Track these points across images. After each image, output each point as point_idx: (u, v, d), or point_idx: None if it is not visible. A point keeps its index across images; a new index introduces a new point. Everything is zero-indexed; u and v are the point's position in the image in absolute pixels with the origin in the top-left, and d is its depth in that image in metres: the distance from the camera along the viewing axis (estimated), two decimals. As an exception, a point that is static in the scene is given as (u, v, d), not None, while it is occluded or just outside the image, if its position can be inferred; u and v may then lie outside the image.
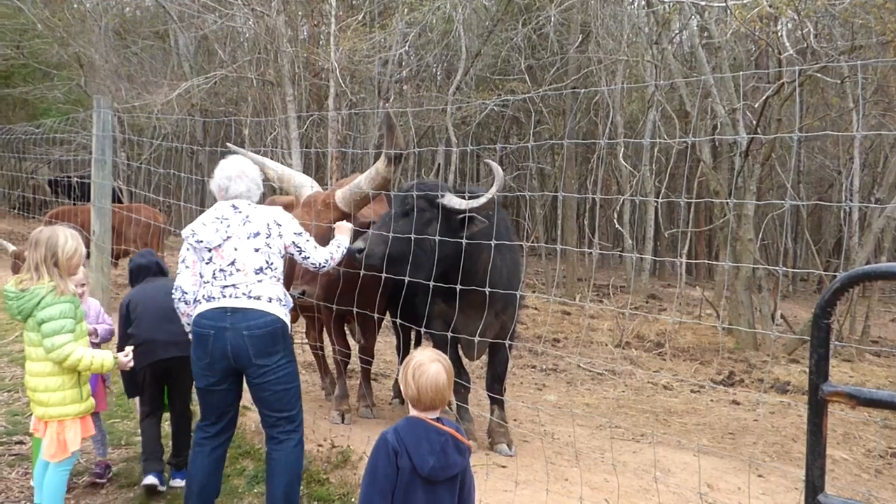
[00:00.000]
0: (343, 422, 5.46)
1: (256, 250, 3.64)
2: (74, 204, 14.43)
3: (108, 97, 9.50)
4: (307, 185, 5.10)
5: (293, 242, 3.81)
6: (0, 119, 19.67)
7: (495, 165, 4.71)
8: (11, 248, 9.16)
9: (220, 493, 3.86)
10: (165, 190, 18.24)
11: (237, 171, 3.84)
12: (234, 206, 3.76)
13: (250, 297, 3.59)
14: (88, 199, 7.94)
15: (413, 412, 2.71)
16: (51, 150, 16.97)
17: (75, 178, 17.03)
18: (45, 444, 3.72)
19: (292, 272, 4.85)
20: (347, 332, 6.01)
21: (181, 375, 4.27)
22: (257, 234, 3.66)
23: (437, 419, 2.68)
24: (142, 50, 18.91)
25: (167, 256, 14.50)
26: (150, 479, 4.23)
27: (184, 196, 16.82)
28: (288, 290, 4.61)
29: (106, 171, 7.48)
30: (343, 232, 4.31)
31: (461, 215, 4.50)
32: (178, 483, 4.34)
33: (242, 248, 3.64)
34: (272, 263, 3.69)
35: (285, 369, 3.66)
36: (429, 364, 2.67)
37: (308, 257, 3.89)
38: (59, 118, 14.82)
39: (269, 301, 3.62)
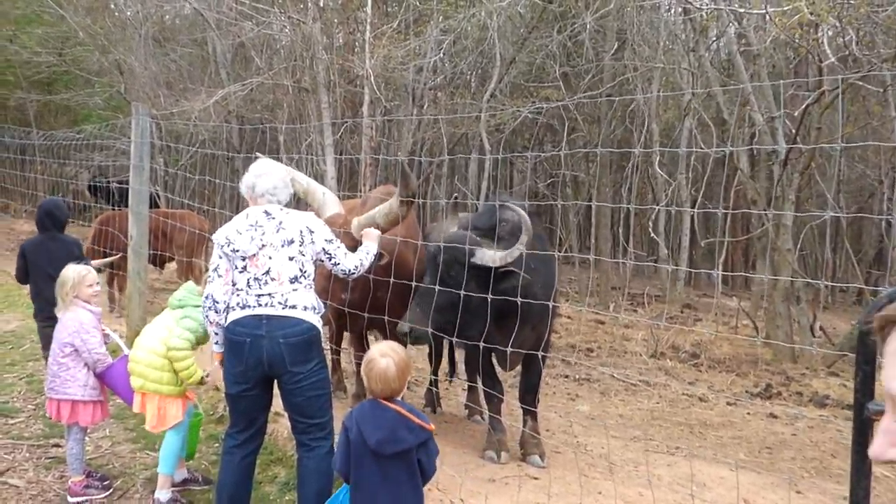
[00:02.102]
0: None
1: (291, 259, 3.64)
2: (113, 209, 14.66)
3: (147, 104, 9.65)
4: (330, 204, 5.13)
5: (323, 249, 3.79)
6: (43, 125, 20.03)
7: (522, 213, 4.66)
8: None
9: (250, 501, 3.86)
10: (202, 196, 18.42)
11: (263, 168, 3.88)
12: (266, 211, 3.75)
13: (286, 307, 3.58)
14: (127, 204, 8.03)
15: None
16: (91, 156, 17.26)
17: (114, 183, 17.28)
18: (147, 416, 4.33)
19: (327, 284, 4.87)
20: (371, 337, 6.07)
21: None
22: (291, 241, 3.65)
23: (393, 401, 3.04)
24: (180, 57, 19.12)
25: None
26: None
27: (219, 202, 16.95)
28: (356, 308, 4.87)
29: (144, 177, 7.54)
30: (371, 239, 4.30)
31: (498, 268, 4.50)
32: None
33: (277, 257, 3.63)
34: (306, 271, 3.68)
35: (318, 375, 3.66)
36: (379, 358, 3.04)
37: (338, 263, 3.87)
38: (99, 124, 15.06)
39: (305, 309, 3.62)
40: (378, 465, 2.92)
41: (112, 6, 20.34)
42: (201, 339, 4.35)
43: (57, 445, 5.06)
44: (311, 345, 3.63)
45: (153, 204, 9.73)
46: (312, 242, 3.73)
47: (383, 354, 3.06)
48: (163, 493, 4.23)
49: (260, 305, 3.59)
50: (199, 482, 4.59)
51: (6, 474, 4.60)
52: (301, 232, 3.70)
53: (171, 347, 4.19)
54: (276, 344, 3.54)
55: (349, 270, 3.94)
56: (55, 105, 21.79)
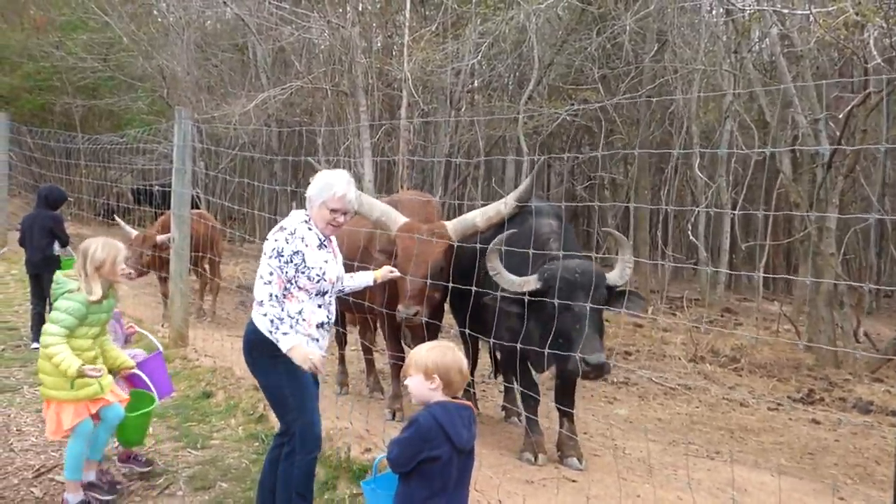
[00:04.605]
0: (394, 419, 5.68)
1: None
2: (156, 212, 14.90)
3: (189, 108, 9.78)
4: (394, 213, 5.40)
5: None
6: (87, 129, 20.41)
7: (619, 235, 5.07)
8: (135, 232, 9.58)
9: (273, 490, 3.87)
10: (241, 198, 18.65)
11: None
12: (291, 213, 3.85)
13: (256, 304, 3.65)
14: (169, 207, 8.17)
15: (441, 397, 2.94)
16: (134, 160, 17.56)
17: (157, 187, 17.56)
18: (46, 422, 4.21)
19: (395, 291, 5.02)
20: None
21: (41, 280, 7.61)
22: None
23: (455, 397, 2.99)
24: (221, 62, 19.39)
25: (243, 266, 14.85)
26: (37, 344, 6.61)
27: (258, 204, 17.15)
28: (393, 308, 4.91)
29: (186, 180, 7.67)
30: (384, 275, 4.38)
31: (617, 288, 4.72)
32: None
33: None
34: (263, 275, 3.61)
35: (263, 378, 3.72)
36: (456, 352, 2.99)
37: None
38: (142, 128, 15.32)
39: (256, 310, 3.62)
40: (460, 463, 2.91)
41: (155, 12, 20.71)
42: (78, 325, 4.09)
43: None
44: (250, 346, 3.66)
45: (194, 206, 9.88)
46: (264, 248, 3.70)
47: (453, 347, 3.04)
48: (71, 497, 4.17)
49: None
50: (104, 489, 4.35)
51: (53, 471, 4.70)
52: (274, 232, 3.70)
53: (43, 346, 4.03)
54: None
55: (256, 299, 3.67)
56: (99, 109, 22.19)
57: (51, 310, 4.19)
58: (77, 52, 19.11)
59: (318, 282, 3.66)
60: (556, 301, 4.31)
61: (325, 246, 3.77)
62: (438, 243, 5.03)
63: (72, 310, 4.05)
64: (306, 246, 3.64)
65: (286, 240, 3.61)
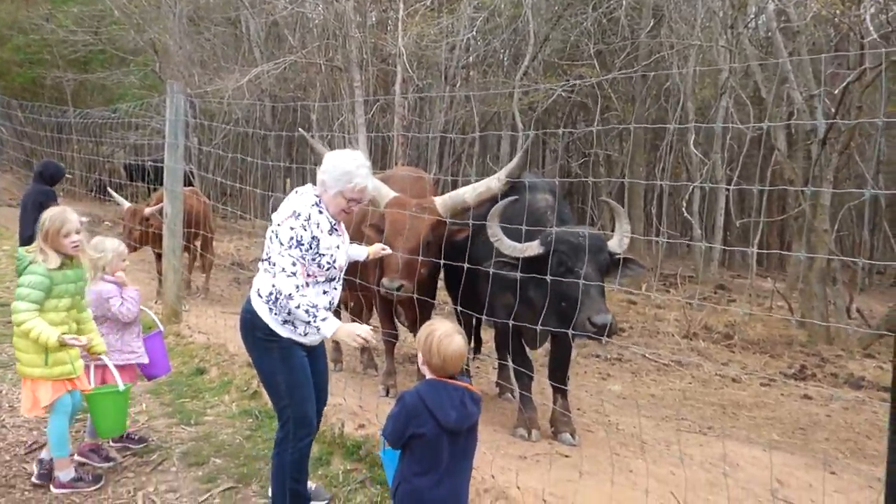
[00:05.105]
0: (387, 395, 5.72)
1: (268, 237, 3.60)
2: (149, 188, 14.79)
3: (182, 83, 9.70)
4: (383, 186, 5.37)
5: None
6: (78, 104, 20.25)
7: (616, 204, 4.99)
8: (127, 204, 9.51)
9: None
10: (234, 174, 18.55)
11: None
12: (296, 190, 3.70)
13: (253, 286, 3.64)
14: (161, 183, 8.12)
15: (430, 374, 3.02)
16: (126, 135, 17.43)
17: (149, 162, 17.44)
18: (22, 399, 4.19)
19: (380, 266, 5.01)
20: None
21: None
22: (275, 223, 3.59)
23: (451, 377, 3.01)
24: (214, 36, 19.22)
25: (237, 243, 14.81)
26: None
27: (252, 180, 17.08)
28: (378, 283, 4.85)
29: (178, 155, 7.62)
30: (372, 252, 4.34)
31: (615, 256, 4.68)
32: None
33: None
34: (269, 256, 3.54)
35: (257, 362, 3.69)
36: (455, 335, 2.98)
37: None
38: (134, 103, 15.20)
39: (254, 291, 3.59)
40: (453, 443, 2.92)
41: (146, -16, 20.49)
42: (44, 297, 4.00)
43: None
44: (246, 328, 3.61)
45: (187, 182, 9.80)
46: (273, 232, 3.56)
47: (456, 331, 3.01)
48: (63, 474, 4.17)
49: None
50: (88, 481, 4.25)
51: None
52: (285, 215, 3.55)
53: (15, 323, 3.98)
54: None
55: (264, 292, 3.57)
56: (91, 84, 21.98)
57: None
58: (67, 24, 18.91)
59: (328, 269, 3.59)
60: (559, 261, 4.38)
61: (336, 229, 3.67)
62: (426, 218, 4.99)
63: (34, 283, 3.96)
64: (321, 232, 3.54)
65: (303, 227, 3.47)
